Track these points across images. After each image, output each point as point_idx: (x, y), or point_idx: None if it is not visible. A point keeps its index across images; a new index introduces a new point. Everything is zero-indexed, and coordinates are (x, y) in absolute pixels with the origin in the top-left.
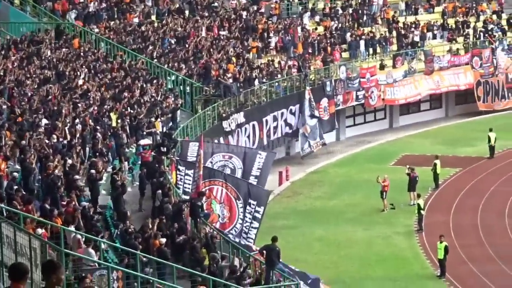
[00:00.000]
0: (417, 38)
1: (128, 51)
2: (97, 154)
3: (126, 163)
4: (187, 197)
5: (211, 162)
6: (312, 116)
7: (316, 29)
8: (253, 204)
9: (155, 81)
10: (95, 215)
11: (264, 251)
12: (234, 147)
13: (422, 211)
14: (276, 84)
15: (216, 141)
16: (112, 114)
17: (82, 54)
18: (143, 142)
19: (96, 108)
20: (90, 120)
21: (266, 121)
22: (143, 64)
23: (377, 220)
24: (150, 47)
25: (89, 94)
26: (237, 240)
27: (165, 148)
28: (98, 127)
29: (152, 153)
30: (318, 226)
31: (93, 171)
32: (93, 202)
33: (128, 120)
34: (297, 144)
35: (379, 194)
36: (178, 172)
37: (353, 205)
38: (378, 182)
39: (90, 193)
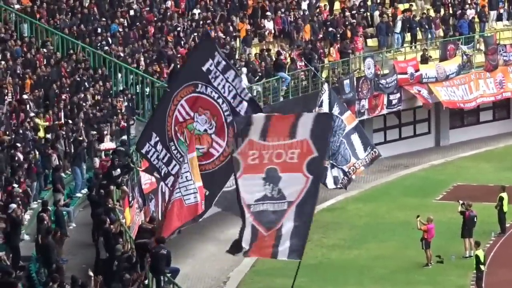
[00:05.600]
0: (473, 17)
1: (62, 35)
2: (20, 182)
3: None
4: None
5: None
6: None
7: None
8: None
9: (100, 79)
10: (14, 271)
11: None
12: None
13: (482, 267)
14: (273, 82)
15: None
16: (39, 121)
17: None
18: (105, 146)
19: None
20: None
21: None
22: (83, 56)
23: (418, 278)
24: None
25: (5, 96)
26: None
27: (117, 172)
28: (17, 144)
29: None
30: (333, 287)
31: (13, 206)
32: (12, 251)
33: (64, 134)
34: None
35: (419, 243)
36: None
37: (383, 258)
38: (420, 228)
39: (8, 240)
